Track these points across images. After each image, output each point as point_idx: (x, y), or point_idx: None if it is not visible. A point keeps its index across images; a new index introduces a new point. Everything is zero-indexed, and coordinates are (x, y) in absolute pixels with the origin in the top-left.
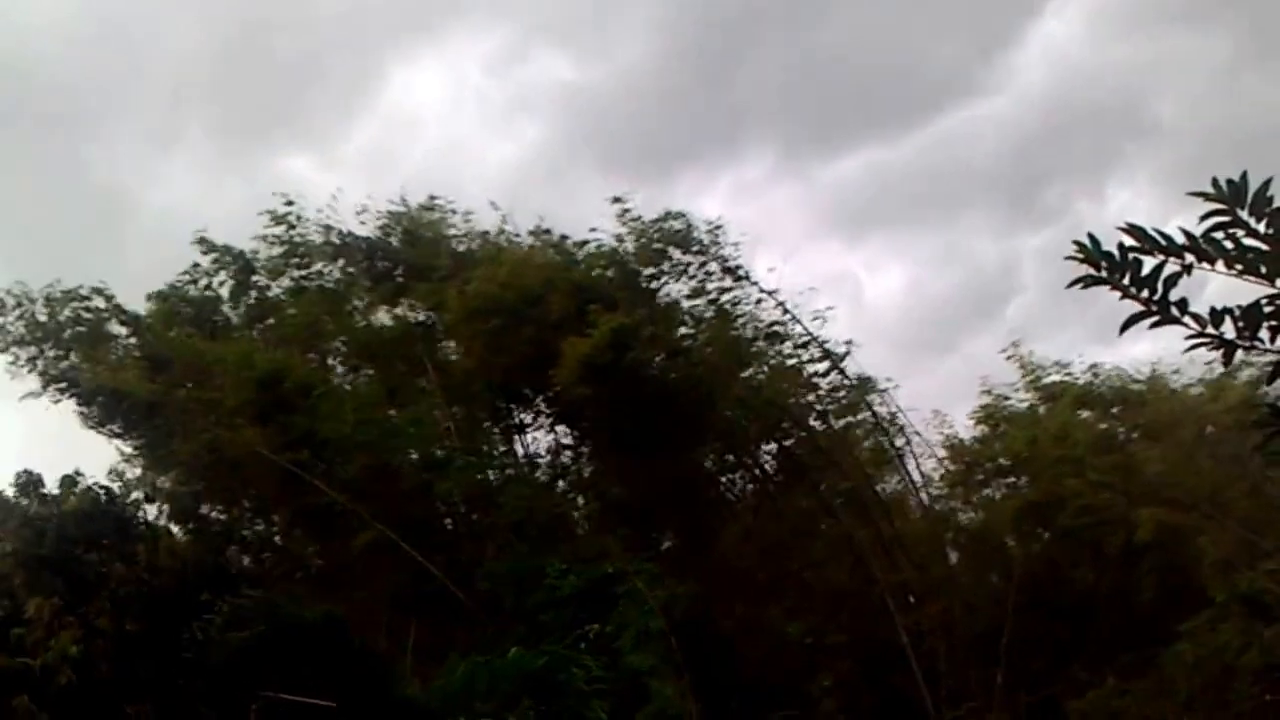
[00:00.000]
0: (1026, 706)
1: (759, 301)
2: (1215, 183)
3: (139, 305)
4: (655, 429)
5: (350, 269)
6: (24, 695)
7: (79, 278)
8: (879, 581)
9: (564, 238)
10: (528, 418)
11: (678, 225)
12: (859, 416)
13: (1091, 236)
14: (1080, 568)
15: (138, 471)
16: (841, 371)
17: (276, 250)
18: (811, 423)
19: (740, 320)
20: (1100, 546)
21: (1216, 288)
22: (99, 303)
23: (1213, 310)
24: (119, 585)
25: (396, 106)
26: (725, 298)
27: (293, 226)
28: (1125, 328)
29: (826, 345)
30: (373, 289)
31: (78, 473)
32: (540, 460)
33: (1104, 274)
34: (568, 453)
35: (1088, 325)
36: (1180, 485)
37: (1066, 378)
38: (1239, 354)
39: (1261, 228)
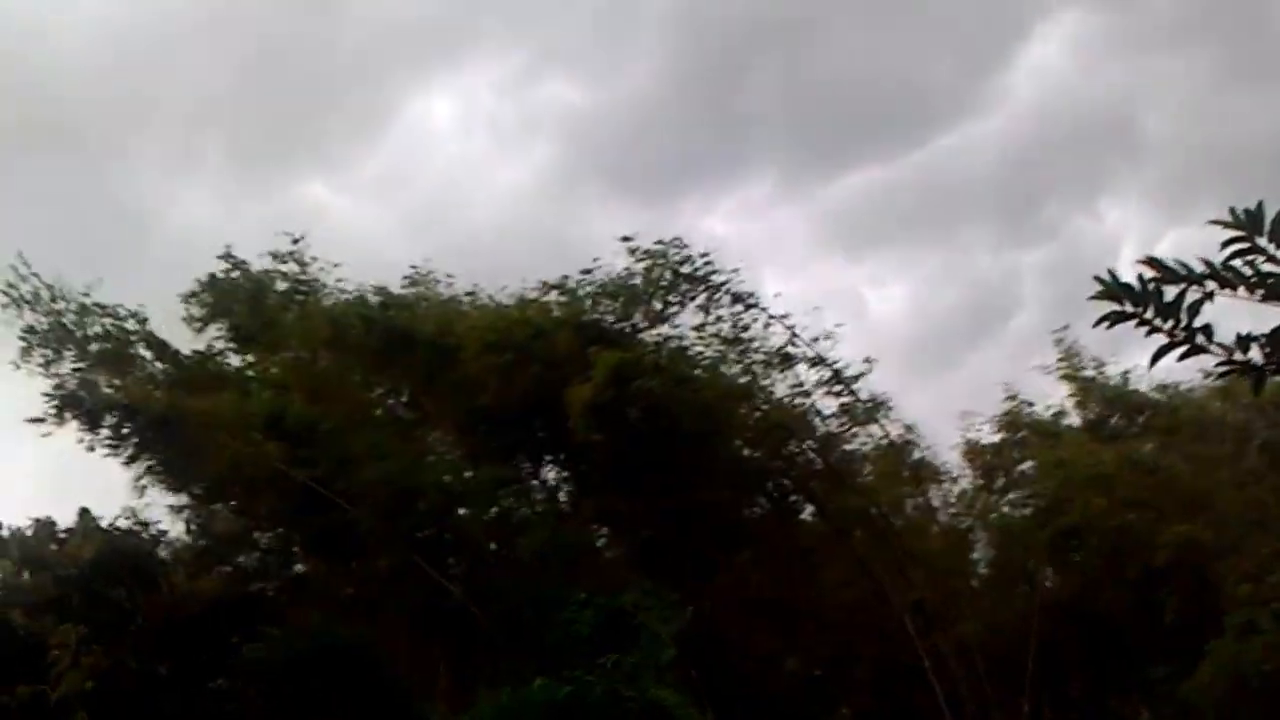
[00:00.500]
0: None
1: (766, 326)
2: (1233, 211)
3: (154, 328)
4: (665, 458)
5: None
6: None
7: (97, 300)
8: (896, 604)
9: (564, 278)
10: (545, 450)
11: (682, 254)
12: (871, 436)
13: (1111, 272)
14: (1109, 587)
15: (152, 499)
16: (852, 392)
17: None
18: (823, 444)
19: (748, 347)
20: (1129, 565)
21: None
22: (130, 324)
23: (1239, 337)
24: (145, 619)
25: (411, 130)
26: (731, 325)
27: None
28: (1155, 360)
29: (835, 367)
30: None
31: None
32: (559, 491)
33: (1127, 308)
34: (583, 483)
35: (1090, 340)
36: (1212, 497)
37: (1100, 375)
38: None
39: None
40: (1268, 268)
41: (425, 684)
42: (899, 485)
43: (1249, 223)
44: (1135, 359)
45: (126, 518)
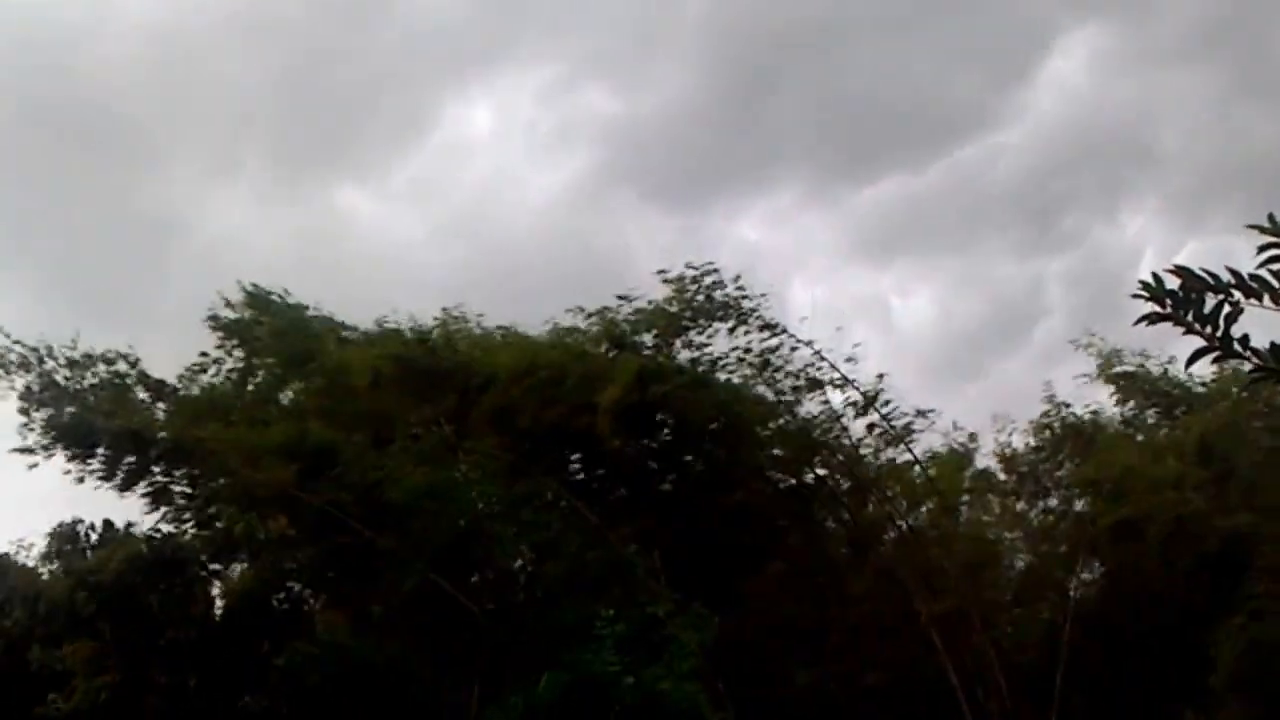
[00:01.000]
0: None
1: (793, 350)
2: (1271, 219)
3: (183, 333)
4: (693, 471)
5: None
6: None
7: (128, 305)
8: (924, 616)
9: (605, 309)
10: (575, 469)
11: (712, 279)
12: (900, 448)
13: (1155, 275)
14: (1145, 594)
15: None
16: (879, 408)
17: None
18: (851, 460)
19: (776, 370)
20: (1188, 553)
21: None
22: (122, 366)
23: (1273, 345)
24: (175, 633)
25: (447, 138)
26: (760, 351)
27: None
28: (1191, 362)
29: (861, 389)
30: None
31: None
32: (589, 507)
33: (1168, 311)
34: (612, 499)
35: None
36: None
37: (1140, 368)
38: None
39: None
40: None
41: (456, 702)
42: (927, 496)
43: None
44: (1173, 353)
45: (154, 531)
